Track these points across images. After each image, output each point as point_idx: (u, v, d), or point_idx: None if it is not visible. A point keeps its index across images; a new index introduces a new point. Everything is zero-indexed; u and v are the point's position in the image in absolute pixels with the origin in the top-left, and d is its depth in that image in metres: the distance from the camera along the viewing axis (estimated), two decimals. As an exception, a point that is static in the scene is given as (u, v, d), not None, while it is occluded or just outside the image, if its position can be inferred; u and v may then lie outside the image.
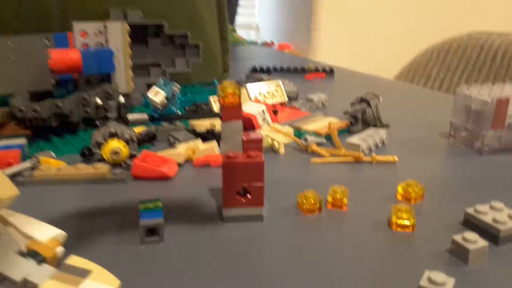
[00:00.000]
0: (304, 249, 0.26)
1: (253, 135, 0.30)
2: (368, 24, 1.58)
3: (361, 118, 0.47)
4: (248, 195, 0.28)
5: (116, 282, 0.19)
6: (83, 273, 0.19)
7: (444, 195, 0.33)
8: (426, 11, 1.65)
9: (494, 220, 0.26)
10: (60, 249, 0.22)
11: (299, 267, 0.24)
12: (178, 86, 0.46)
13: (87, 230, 0.28)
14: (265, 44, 1.60)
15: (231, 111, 0.28)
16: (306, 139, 0.41)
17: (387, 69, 1.63)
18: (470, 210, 0.28)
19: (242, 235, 0.27)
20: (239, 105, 0.29)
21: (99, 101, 0.45)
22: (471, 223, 0.28)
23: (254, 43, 1.58)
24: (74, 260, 0.20)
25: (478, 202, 0.28)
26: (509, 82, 0.46)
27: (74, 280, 0.19)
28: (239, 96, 0.28)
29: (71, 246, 0.24)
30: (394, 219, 0.28)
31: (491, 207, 0.28)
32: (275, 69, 0.83)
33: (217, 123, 0.45)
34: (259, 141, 0.29)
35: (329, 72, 0.83)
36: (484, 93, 0.42)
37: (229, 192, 0.28)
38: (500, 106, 0.39)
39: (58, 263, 0.21)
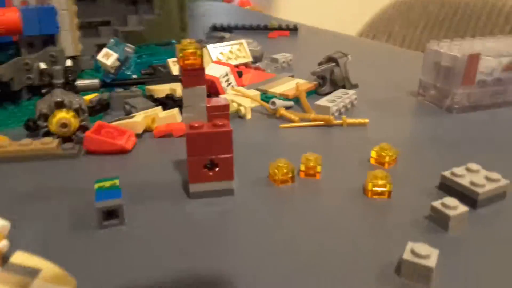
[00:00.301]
0: (278, 223, 0.24)
1: (218, 101, 0.27)
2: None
3: (329, 78, 0.45)
4: (216, 168, 0.26)
5: (72, 281, 0.17)
6: (32, 273, 0.17)
7: (417, 157, 0.32)
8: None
9: (472, 183, 0.26)
10: (4, 243, 0.19)
11: (274, 243, 0.22)
12: (132, 47, 0.41)
13: (36, 216, 0.25)
14: (224, 0, 1.53)
15: (193, 74, 0.25)
16: (274, 103, 0.39)
17: (349, 26, 1.61)
18: (447, 174, 0.27)
19: (211, 211, 0.25)
20: (201, 68, 0.26)
21: (43, 65, 0.40)
22: (448, 187, 0.27)
23: (212, -1, 1.50)
24: (21, 257, 0.17)
25: (451, 163, 0.28)
26: (473, 37, 0.45)
27: (21, 282, 0.16)
28: (201, 57, 0.25)
29: (16, 237, 0.21)
30: (370, 186, 0.27)
31: (468, 170, 0.27)
32: (236, 27, 0.79)
33: (177, 88, 0.41)
34: (226, 107, 0.26)
35: (293, 29, 0.80)
36: (454, 48, 0.41)
37: (195, 166, 0.26)
38: (471, 62, 0.38)
39: (1, 260, 0.18)
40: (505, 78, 0.40)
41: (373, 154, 0.31)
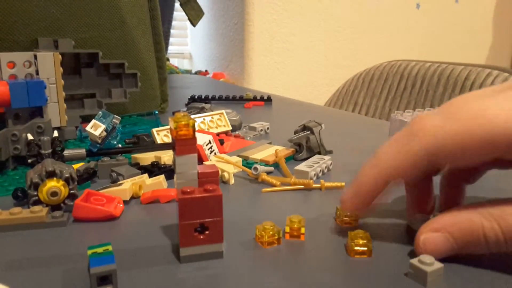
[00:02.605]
0: (267, 285, 0.25)
1: (208, 167, 0.29)
2: (298, 54, 1.65)
3: (305, 145, 0.48)
4: (206, 231, 0.27)
5: None
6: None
7: (390, 215, 0.35)
8: (351, 41, 1.77)
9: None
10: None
11: (267, 305, 0.23)
12: (119, 118, 0.43)
13: (29, 284, 0.25)
14: (199, 73, 1.60)
15: (186, 144, 0.27)
16: (256, 169, 0.41)
17: (317, 97, 1.71)
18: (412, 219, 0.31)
19: (203, 276, 0.26)
20: (193, 138, 0.28)
21: (30, 136, 0.42)
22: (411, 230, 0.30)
23: (188, 71, 1.58)
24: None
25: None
26: (432, 107, 0.50)
27: None
28: (193, 128, 0.28)
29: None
30: (351, 246, 0.29)
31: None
32: (213, 98, 0.83)
33: (162, 156, 0.43)
34: (215, 173, 0.28)
35: (267, 100, 0.85)
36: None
37: (187, 229, 0.27)
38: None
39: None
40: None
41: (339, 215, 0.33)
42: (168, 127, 0.49)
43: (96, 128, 0.41)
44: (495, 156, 0.26)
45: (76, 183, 0.34)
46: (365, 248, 0.28)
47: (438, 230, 0.27)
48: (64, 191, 0.33)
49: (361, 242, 0.29)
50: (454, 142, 0.26)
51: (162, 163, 0.43)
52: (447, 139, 0.26)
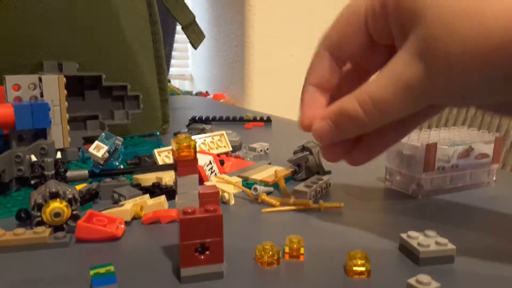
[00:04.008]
0: (268, 304, 0.25)
1: (209, 188, 0.29)
2: (297, 75, 1.67)
3: (304, 165, 0.49)
4: (207, 251, 0.27)
5: None
6: None
7: (389, 237, 0.35)
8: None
9: (419, 244, 0.30)
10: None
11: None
12: (121, 139, 0.44)
13: (29, 304, 0.25)
14: (200, 94, 1.62)
15: (187, 165, 0.28)
16: (256, 189, 0.41)
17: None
18: (403, 235, 0.32)
19: (203, 295, 0.26)
20: (194, 159, 0.28)
21: (34, 158, 0.42)
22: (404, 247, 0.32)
23: (189, 93, 1.60)
24: None
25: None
26: (429, 128, 0.51)
27: None
28: (195, 150, 0.28)
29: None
30: (349, 266, 0.29)
31: (424, 234, 0.31)
32: (214, 119, 0.84)
33: (163, 176, 0.44)
34: (216, 194, 0.29)
35: (267, 121, 0.86)
36: (414, 139, 0.46)
37: (187, 249, 0.27)
38: (430, 150, 0.43)
39: None
40: (461, 164, 0.45)
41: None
42: (169, 148, 0.50)
43: (98, 150, 0.42)
44: None
45: (78, 204, 0.34)
46: (363, 268, 0.29)
47: (324, 118, 0.31)
48: (67, 212, 0.33)
49: (359, 262, 0.29)
50: None
51: (163, 183, 0.43)
52: None
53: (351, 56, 0.33)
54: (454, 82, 0.26)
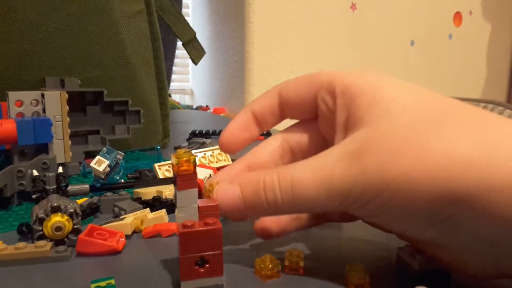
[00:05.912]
0: (267, 317, 0.25)
1: (208, 201, 0.30)
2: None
3: (304, 179, 0.49)
4: (206, 264, 0.28)
5: None
6: None
7: (387, 250, 0.35)
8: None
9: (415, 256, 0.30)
10: None
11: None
12: (122, 153, 0.45)
13: (30, 318, 0.25)
14: (200, 108, 1.63)
15: (187, 179, 0.29)
16: (255, 203, 0.42)
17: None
18: (401, 248, 0.32)
19: (203, 308, 0.26)
20: (194, 173, 0.29)
21: (35, 172, 0.43)
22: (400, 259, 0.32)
23: (189, 107, 1.61)
24: None
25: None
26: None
27: None
28: (194, 164, 0.29)
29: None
30: (350, 279, 0.29)
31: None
32: (214, 133, 0.85)
33: (164, 190, 0.44)
34: (215, 207, 0.29)
35: (266, 134, 0.86)
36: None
37: (187, 263, 0.27)
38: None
39: None
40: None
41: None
42: (169, 162, 0.50)
43: (100, 164, 0.42)
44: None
45: (80, 218, 0.35)
46: (363, 281, 0.29)
47: (233, 181, 0.27)
48: (68, 226, 0.33)
49: (359, 275, 0.29)
50: None
51: (164, 197, 0.43)
52: None
53: (297, 114, 0.33)
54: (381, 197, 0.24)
